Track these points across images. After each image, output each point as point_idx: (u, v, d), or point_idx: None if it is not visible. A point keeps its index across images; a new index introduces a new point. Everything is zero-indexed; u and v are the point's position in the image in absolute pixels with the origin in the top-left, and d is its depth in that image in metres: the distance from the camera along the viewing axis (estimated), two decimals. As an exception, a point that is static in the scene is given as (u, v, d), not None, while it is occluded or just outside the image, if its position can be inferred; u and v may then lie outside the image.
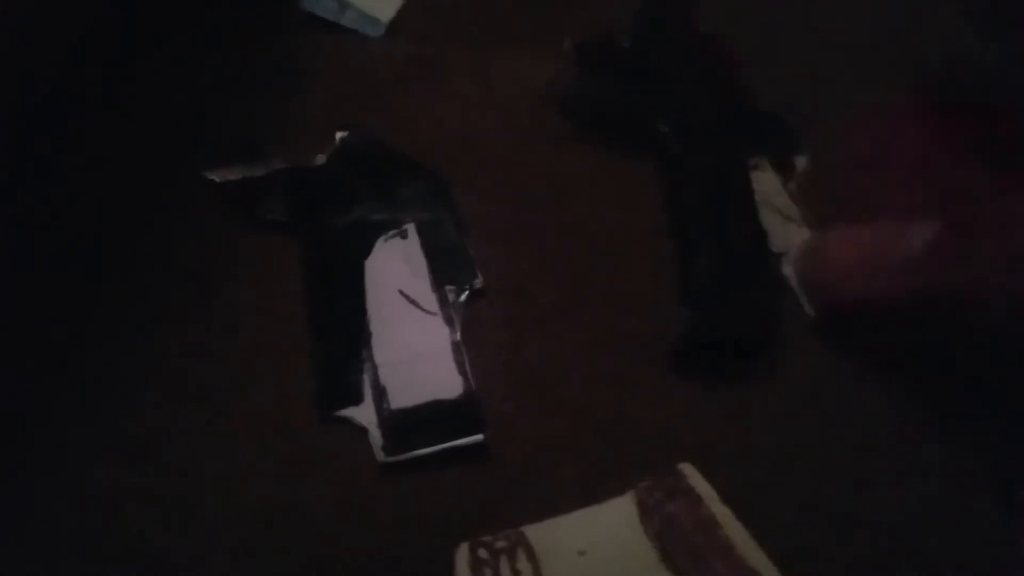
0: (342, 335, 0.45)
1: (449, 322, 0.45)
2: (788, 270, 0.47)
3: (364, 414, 0.43)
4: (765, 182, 0.50)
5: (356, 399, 0.43)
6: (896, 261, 0.42)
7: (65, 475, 0.42)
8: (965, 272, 0.40)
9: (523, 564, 0.39)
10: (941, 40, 0.56)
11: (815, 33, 0.57)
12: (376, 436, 0.42)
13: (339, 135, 0.51)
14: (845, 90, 0.54)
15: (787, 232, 0.48)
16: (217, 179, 0.49)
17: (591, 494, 0.41)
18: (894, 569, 0.41)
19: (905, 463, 0.44)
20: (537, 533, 0.40)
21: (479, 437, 0.42)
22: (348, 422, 0.43)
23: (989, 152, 0.42)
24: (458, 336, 0.44)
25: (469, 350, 0.44)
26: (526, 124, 0.53)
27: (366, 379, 0.43)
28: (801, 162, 0.51)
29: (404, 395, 0.43)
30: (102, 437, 0.42)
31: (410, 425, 0.42)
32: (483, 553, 0.39)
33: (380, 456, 0.41)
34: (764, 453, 0.43)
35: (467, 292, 0.46)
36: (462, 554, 0.39)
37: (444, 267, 0.46)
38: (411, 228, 0.48)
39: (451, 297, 0.46)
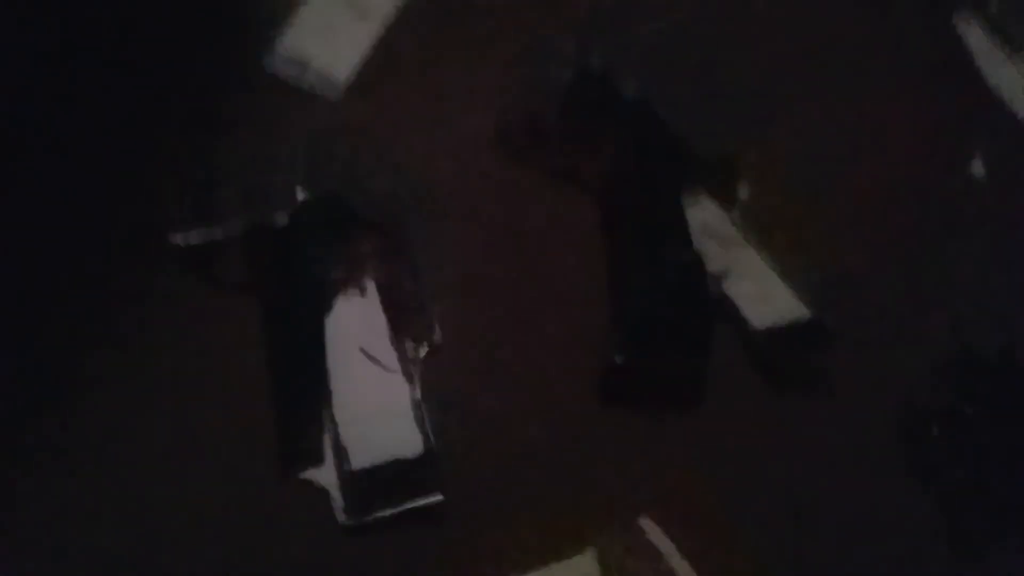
0: (304, 395, 0.45)
1: (409, 379, 0.45)
2: (729, 289, 0.49)
3: (325, 476, 0.43)
4: (705, 212, 0.52)
5: (317, 460, 0.43)
6: None
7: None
8: None
9: (484, 623, 0.39)
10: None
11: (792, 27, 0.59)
12: (337, 498, 0.42)
13: (300, 193, 0.52)
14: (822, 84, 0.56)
15: (728, 253, 0.50)
16: (181, 243, 0.49)
17: (551, 548, 0.41)
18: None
19: (857, 505, 0.45)
20: (498, 591, 0.40)
21: (438, 497, 0.42)
22: (310, 482, 0.43)
23: None
24: (418, 393, 0.45)
25: (427, 403, 0.45)
26: (484, 174, 0.53)
27: (327, 439, 0.44)
28: (743, 191, 0.53)
29: (365, 454, 0.43)
30: (50, 501, 0.42)
31: (371, 486, 0.42)
32: (444, 613, 0.39)
33: (341, 518, 0.42)
34: (723, 502, 0.44)
35: (426, 348, 0.46)
36: (423, 615, 0.39)
37: (403, 323, 0.47)
38: (370, 285, 0.48)
39: (410, 353, 0.46)
